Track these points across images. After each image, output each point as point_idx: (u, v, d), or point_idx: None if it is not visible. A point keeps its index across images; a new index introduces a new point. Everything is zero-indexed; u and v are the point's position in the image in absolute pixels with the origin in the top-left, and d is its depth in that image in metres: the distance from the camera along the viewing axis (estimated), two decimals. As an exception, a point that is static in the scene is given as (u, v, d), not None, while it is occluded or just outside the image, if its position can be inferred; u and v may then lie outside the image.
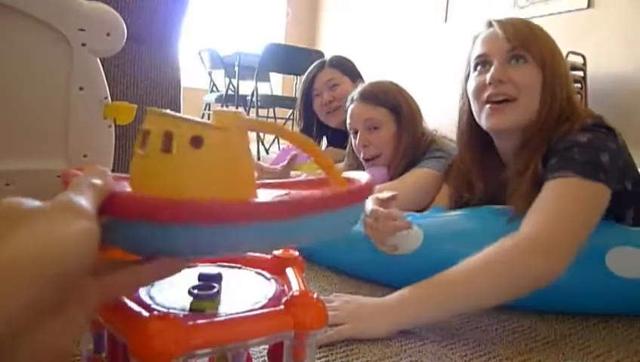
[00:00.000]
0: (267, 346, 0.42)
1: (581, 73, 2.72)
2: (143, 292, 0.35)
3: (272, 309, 0.34)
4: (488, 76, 0.79)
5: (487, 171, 0.88)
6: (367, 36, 4.63)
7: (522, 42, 0.78)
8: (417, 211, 0.96)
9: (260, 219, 0.28)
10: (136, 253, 0.30)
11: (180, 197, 0.27)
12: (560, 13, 3.04)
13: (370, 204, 0.81)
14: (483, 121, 0.82)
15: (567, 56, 2.64)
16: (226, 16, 4.71)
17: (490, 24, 0.83)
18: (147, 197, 0.28)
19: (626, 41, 2.73)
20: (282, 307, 0.33)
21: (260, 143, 3.40)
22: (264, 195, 0.35)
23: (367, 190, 0.34)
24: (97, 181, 0.27)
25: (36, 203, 0.24)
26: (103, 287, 0.27)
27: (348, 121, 1.25)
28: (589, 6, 2.93)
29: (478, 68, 0.83)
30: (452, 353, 0.62)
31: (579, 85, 2.71)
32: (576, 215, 0.68)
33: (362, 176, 0.36)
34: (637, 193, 0.78)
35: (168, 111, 0.31)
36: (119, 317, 0.31)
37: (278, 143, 3.93)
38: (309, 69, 1.59)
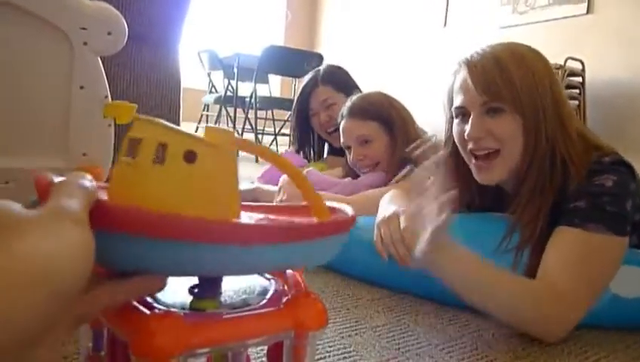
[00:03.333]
0: (266, 347, 0.42)
1: (580, 79, 2.74)
2: (143, 291, 0.35)
3: (272, 309, 0.34)
4: (466, 133, 0.78)
5: (478, 190, 0.87)
6: (366, 39, 4.64)
7: (495, 94, 0.74)
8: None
9: (255, 242, 0.28)
10: (113, 267, 0.29)
11: (170, 212, 0.26)
12: (559, 19, 3.06)
13: (403, 221, 0.78)
14: (473, 172, 0.81)
15: (565, 62, 2.66)
16: (226, 17, 4.72)
17: (460, 66, 0.80)
18: (140, 210, 0.27)
19: (625, 46, 2.74)
20: (282, 307, 0.34)
21: (258, 143, 3.40)
22: (246, 218, 0.35)
23: (351, 222, 0.35)
24: (87, 184, 0.26)
25: (28, 211, 0.22)
26: (79, 305, 0.25)
27: (341, 137, 1.26)
28: (588, 12, 2.95)
29: (459, 117, 0.81)
30: (450, 356, 0.62)
31: (577, 91, 2.73)
32: (603, 274, 0.69)
33: (346, 208, 0.37)
34: None
35: (162, 121, 0.31)
36: (120, 314, 0.31)
37: (277, 145, 3.93)
38: (303, 85, 1.58)
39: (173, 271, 0.30)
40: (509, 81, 0.74)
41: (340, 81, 1.55)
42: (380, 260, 0.81)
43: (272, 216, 0.39)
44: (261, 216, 0.39)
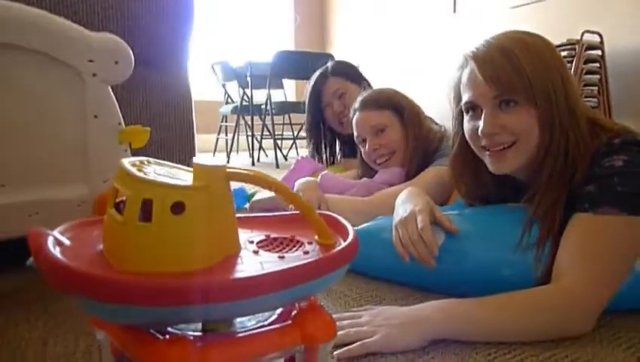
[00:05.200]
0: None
1: (599, 52, 2.64)
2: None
3: (281, 325, 0.34)
4: (479, 129, 0.75)
5: (494, 183, 0.85)
6: (376, 33, 4.61)
7: (506, 87, 0.72)
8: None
9: (253, 295, 0.29)
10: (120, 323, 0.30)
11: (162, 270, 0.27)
12: (573, -8, 2.96)
13: (421, 221, 0.78)
14: (487, 163, 0.79)
15: (582, 35, 2.57)
16: (235, 27, 4.77)
17: (466, 60, 0.78)
18: (140, 282, 0.27)
19: (645, 14, 2.63)
20: (291, 322, 0.34)
21: (278, 149, 3.43)
22: (242, 238, 0.35)
23: (353, 250, 0.35)
24: None
25: None
26: None
27: (355, 132, 1.26)
28: (602, -18, 2.85)
29: (470, 113, 0.78)
30: (475, 353, 0.62)
31: (597, 65, 2.63)
32: (622, 258, 0.66)
33: (349, 232, 0.37)
34: None
35: (142, 174, 0.30)
36: (133, 340, 0.32)
37: (297, 149, 3.95)
38: (313, 80, 1.60)
39: (179, 322, 0.31)
40: (520, 71, 0.71)
41: (349, 71, 1.58)
42: (403, 261, 0.81)
43: (273, 235, 0.39)
44: (262, 236, 0.39)
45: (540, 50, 0.73)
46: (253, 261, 0.33)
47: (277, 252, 0.36)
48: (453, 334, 0.63)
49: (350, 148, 1.58)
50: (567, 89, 0.73)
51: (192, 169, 0.32)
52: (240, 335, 0.33)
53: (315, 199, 1.07)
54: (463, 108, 0.80)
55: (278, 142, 3.54)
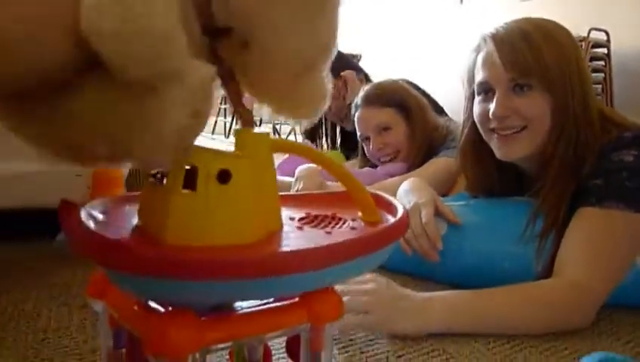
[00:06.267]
0: (285, 337, 0.42)
1: (605, 50, 2.63)
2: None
3: (286, 302, 0.33)
4: (491, 110, 0.73)
5: (499, 176, 0.84)
6: (381, 23, 4.56)
7: (522, 70, 0.70)
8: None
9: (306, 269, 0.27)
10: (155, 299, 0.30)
11: (214, 248, 0.26)
12: (581, -12, 2.94)
13: (425, 215, 0.77)
14: (493, 148, 0.78)
15: (589, 33, 2.55)
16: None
17: (485, 41, 0.76)
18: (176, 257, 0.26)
19: (652, 13, 2.61)
20: (297, 299, 0.33)
21: (277, 135, 3.41)
22: (284, 216, 0.34)
23: (404, 226, 0.34)
24: None
25: None
26: None
27: (357, 129, 1.23)
28: (611, -21, 2.82)
29: (482, 94, 0.77)
30: (474, 341, 0.61)
31: (602, 63, 2.62)
32: (625, 254, 0.66)
33: (397, 208, 0.36)
34: None
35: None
36: (134, 314, 0.31)
37: (295, 135, 3.93)
38: None
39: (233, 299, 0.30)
40: (539, 56, 0.70)
41: (342, 61, 1.56)
42: (405, 254, 0.80)
43: (314, 212, 0.37)
44: (302, 213, 0.37)
45: (560, 38, 0.72)
46: (301, 236, 0.32)
47: (322, 228, 0.34)
48: (457, 327, 0.62)
49: (345, 139, 1.56)
50: (582, 80, 0.71)
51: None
52: (244, 311, 0.32)
53: (316, 186, 1.05)
54: (475, 89, 0.79)
55: (277, 127, 3.51)
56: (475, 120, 0.79)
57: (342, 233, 0.33)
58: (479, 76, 0.77)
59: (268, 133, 0.32)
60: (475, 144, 0.82)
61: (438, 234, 0.77)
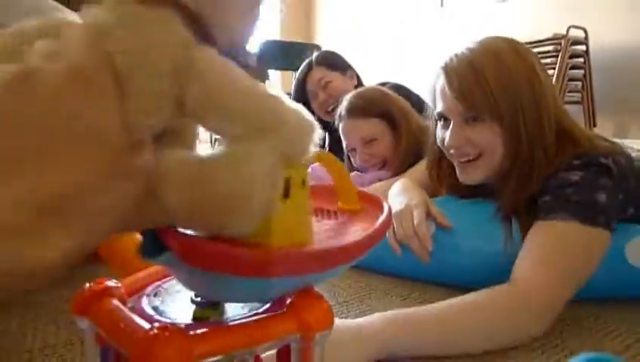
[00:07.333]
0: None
1: (583, 47, 2.67)
2: (145, 304, 0.35)
3: (275, 313, 0.33)
4: (445, 141, 0.78)
5: (466, 186, 0.84)
6: (363, 25, 4.58)
7: (471, 105, 0.73)
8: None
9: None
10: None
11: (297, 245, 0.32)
12: (559, -13, 2.99)
13: (417, 216, 0.79)
14: (457, 171, 0.80)
15: (568, 30, 2.60)
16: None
17: (440, 71, 0.78)
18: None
19: (630, 10, 2.67)
20: (286, 310, 0.33)
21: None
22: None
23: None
24: None
25: None
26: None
27: (343, 140, 1.22)
28: (588, -23, 2.87)
29: (442, 121, 0.80)
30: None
31: (581, 60, 2.67)
32: (574, 265, 0.64)
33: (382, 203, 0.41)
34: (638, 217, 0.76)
35: None
36: (120, 330, 0.30)
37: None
38: (298, 71, 1.59)
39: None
40: (486, 89, 0.71)
41: (334, 61, 1.57)
42: (394, 254, 0.80)
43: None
44: None
45: (510, 62, 0.73)
46: (325, 227, 0.38)
47: (323, 219, 0.41)
48: (407, 347, 0.56)
49: (335, 141, 1.57)
50: (537, 100, 0.72)
51: None
52: (232, 323, 0.32)
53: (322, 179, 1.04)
54: (436, 116, 0.81)
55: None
56: (438, 144, 0.82)
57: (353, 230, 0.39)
58: (438, 105, 0.80)
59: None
60: (442, 162, 0.86)
61: (429, 236, 0.78)
